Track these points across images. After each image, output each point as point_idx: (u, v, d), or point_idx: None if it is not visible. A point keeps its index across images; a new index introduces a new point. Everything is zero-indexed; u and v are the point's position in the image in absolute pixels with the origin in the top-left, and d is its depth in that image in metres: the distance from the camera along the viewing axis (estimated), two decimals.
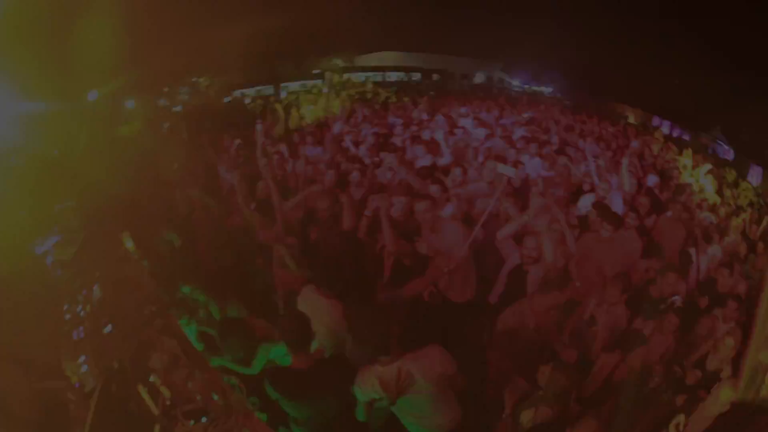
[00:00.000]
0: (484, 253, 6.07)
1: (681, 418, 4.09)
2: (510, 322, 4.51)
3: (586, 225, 6.53)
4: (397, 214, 5.47)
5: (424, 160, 7.51)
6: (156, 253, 6.57)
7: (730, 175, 15.53)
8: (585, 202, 7.27)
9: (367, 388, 3.33)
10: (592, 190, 7.86)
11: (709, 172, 11.89)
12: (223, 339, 3.89)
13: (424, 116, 12.60)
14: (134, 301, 4.86)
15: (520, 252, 5.21)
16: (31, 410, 3.71)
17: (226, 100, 16.75)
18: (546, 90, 20.78)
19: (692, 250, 7.17)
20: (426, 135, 9.18)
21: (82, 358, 4.12)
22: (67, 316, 4.86)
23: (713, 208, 9.66)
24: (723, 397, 3.86)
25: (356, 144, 9.04)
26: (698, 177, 11.30)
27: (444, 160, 7.54)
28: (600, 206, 6.59)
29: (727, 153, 17.46)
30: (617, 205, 7.07)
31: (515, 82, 21.33)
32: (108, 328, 4.46)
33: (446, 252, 4.85)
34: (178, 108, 15.70)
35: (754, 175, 15.96)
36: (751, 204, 11.92)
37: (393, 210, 5.46)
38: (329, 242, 5.65)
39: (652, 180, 9.60)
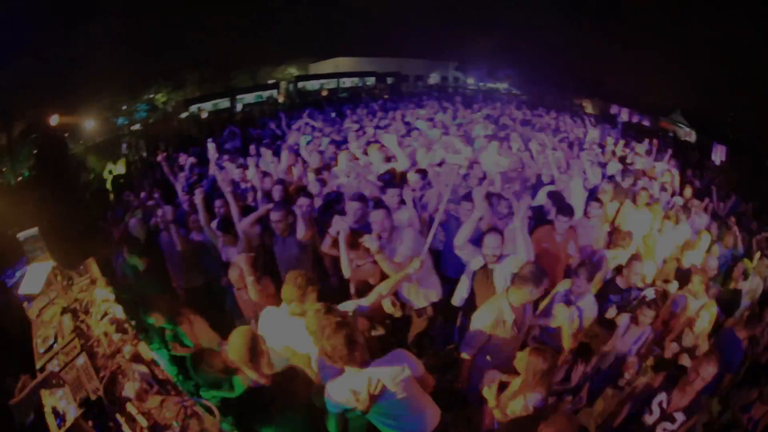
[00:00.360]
0: (445, 255, 6.15)
1: (663, 396, 4.23)
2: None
3: (544, 217, 6.66)
4: (353, 220, 5.47)
5: (381, 166, 7.52)
6: (121, 278, 6.55)
7: (694, 155, 15.85)
8: (544, 195, 7.35)
9: (338, 399, 3.38)
10: (552, 182, 8.00)
11: (672, 154, 12.07)
12: (194, 370, 3.81)
13: (380, 120, 12.61)
14: (104, 330, 4.85)
15: (481, 252, 5.11)
16: None
17: (183, 115, 16.62)
18: (501, 86, 20.96)
19: (657, 234, 7.35)
20: (382, 140, 9.19)
21: (60, 393, 4.12)
22: (41, 350, 4.85)
23: (678, 190, 9.87)
24: (702, 372, 4.02)
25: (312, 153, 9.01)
26: (661, 160, 11.45)
27: (401, 164, 7.55)
28: (556, 197, 6.73)
29: (689, 135, 17.84)
30: (578, 196, 7.17)
31: (470, 80, 21.48)
32: (81, 360, 4.46)
33: (405, 260, 4.82)
34: (137, 126, 15.60)
35: (718, 154, 16.33)
36: (714, 183, 12.15)
37: (348, 217, 5.48)
38: (289, 257, 5.72)
39: (613, 168, 9.77)
